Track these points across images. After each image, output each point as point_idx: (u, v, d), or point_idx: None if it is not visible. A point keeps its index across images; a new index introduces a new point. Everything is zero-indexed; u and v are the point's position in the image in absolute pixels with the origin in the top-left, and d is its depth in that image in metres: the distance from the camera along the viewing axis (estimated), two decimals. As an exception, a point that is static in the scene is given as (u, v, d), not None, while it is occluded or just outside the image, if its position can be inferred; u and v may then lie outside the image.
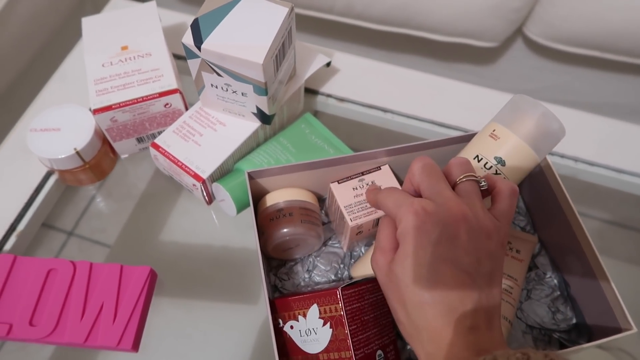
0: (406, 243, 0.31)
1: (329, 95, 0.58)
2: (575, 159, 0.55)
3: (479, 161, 0.39)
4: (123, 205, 0.52)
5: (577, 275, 0.43)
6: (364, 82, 0.59)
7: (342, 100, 0.58)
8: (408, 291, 0.31)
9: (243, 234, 0.50)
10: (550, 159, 0.44)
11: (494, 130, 0.39)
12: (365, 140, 0.57)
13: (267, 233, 0.42)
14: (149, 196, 0.53)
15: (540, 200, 0.47)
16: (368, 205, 0.42)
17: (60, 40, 0.86)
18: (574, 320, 0.44)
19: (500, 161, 0.38)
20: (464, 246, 0.31)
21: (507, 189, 0.35)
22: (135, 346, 0.41)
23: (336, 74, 0.60)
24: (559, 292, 0.45)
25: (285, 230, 0.42)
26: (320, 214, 0.46)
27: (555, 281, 0.46)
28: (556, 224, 0.44)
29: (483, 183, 0.35)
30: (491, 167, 0.38)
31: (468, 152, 0.40)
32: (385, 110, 0.57)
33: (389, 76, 0.60)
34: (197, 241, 0.50)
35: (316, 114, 0.58)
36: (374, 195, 0.37)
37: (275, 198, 0.44)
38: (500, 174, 0.39)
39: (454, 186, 0.34)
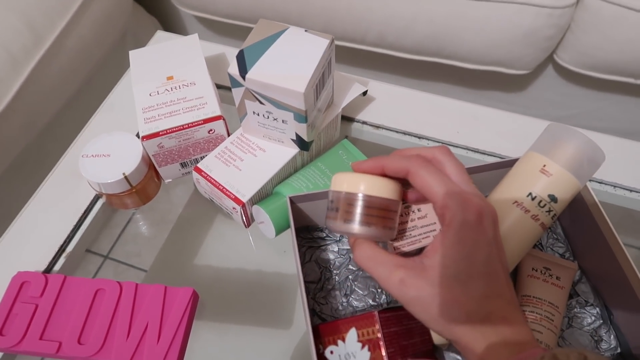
0: (464, 240, 0.32)
1: (364, 123, 0.60)
2: (615, 185, 0.54)
3: (532, 199, 0.39)
4: (159, 229, 0.54)
5: (621, 303, 0.42)
6: (398, 110, 0.60)
7: (377, 127, 0.59)
8: (467, 289, 0.32)
9: (278, 258, 0.51)
10: (589, 185, 0.44)
11: (544, 166, 0.39)
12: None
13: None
14: (186, 220, 0.54)
15: (580, 228, 0.47)
16: (412, 233, 0.38)
17: (104, 71, 0.91)
18: (619, 350, 0.43)
19: (554, 199, 0.39)
20: (501, 244, 0.33)
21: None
22: (178, 366, 0.42)
23: (371, 102, 0.61)
24: (601, 321, 0.44)
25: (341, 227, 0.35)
26: (397, 211, 0.36)
27: (598, 309, 0.45)
28: (597, 251, 0.44)
29: None
30: (545, 205, 0.39)
31: (517, 187, 0.40)
32: (420, 137, 0.58)
33: (423, 103, 0.61)
34: (232, 265, 0.51)
35: (352, 140, 0.59)
36: (408, 164, 0.34)
37: (346, 183, 0.35)
38: (552, 211, 0.39)
39: None
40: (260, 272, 0.50)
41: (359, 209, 0.34)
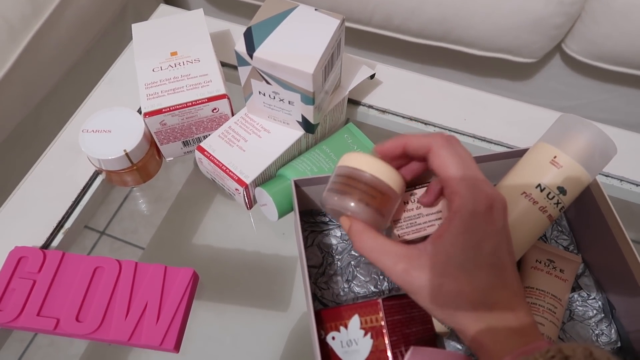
0: (471, 229, 0.31)
1: (370, 107, 0.59)
2: (621, 179, 0.54)
3: (541, 190, 0.38)
4: (157, 206, 0.53)
5: (624, 298, 0.42)
6: (405, 94, 0.59)
7: (383, 111, 0.58)
8: (473, 278, 0.31)
9: (277, 240, 0.50)
10: (597, 179, 0.43)
11: (555, 157, 0.39)
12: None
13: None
14: (185, 199, 0.54)
15: (585, 220, 0.46)
16: (417, 221, 0.38)
17: (103, 44, 0.89)
18: (619, 344, 0.43)
19: (563, 191, 0.38)
20: (509, 234, 0.32)
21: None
22: (177, 346, 0.42)
23: (378, 86, 0.60)
24: (603, 314, 0.44)
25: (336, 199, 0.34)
26: (394, 205, 0.36)
27: (600, 303, 0.45)
28: (603, 245, 0.43)
29: None
30: (553, 197, 0.38)
31: (526, 177, 0.39)
32: (426, 123, 0.57)
33: (430, 89, 0.60)
34: (232, 245, 0.50)
35: (357, 124, 0.58)
36: (431, 140, 0.33)
37: (355, 161, 0.35)
38: (560, 203, 0.38)
39: None
40: (259, 253, 0.50)
41: (361, 186, 0.34)
